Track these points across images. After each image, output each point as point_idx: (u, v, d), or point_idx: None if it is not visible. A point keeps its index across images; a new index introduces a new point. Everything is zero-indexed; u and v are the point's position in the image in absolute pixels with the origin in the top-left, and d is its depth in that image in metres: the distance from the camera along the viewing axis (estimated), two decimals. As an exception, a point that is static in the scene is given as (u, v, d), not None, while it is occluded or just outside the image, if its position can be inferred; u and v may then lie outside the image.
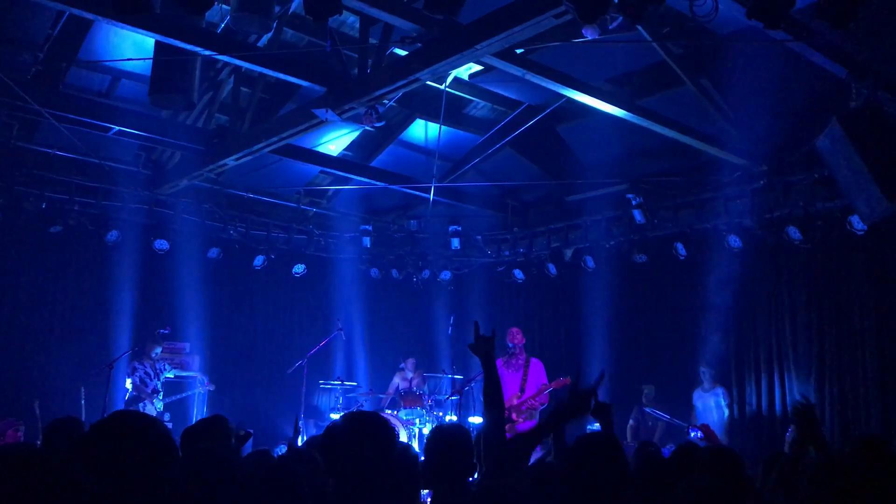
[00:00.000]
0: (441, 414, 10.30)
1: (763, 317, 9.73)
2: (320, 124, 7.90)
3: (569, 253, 11.41)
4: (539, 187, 11.30)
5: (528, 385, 8.98)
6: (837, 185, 7.22)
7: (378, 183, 10.47)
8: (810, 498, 2.69)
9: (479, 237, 12.31)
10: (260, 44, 7.63)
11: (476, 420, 9.66)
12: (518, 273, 11.75)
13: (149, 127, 9.02)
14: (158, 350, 9.97)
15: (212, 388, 10.50)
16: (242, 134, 8.80)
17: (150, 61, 7.21)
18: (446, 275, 12.47)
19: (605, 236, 10.75)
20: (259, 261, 11.52)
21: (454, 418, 9.85)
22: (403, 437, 9.36)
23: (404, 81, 6.79)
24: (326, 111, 7.32)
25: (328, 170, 10.64)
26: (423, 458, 3.32)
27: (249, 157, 9.01)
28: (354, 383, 11.74)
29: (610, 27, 5.80)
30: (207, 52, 6.78)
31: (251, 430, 4.86)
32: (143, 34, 6.65)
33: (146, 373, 9.75)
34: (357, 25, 7.40)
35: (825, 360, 9.07)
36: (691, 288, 10.09)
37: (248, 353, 11.89)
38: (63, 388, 9.53)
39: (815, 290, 9.29)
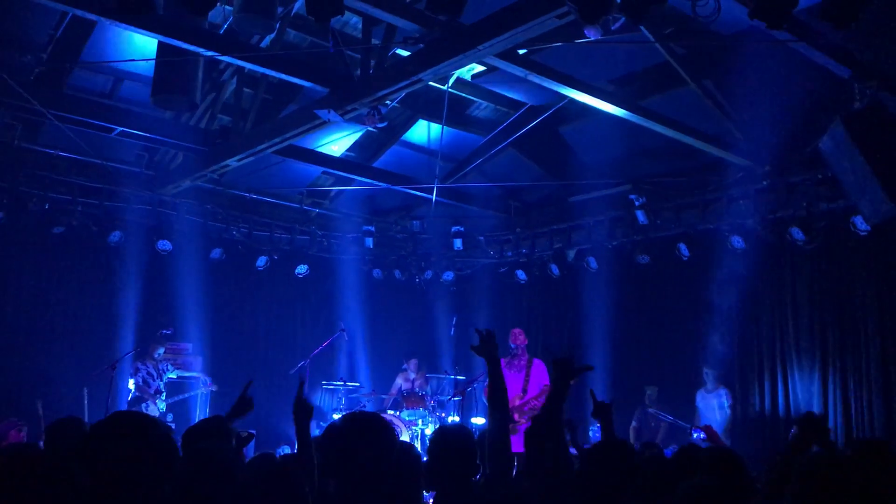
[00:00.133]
0: (444, 415, 10.30)
1: (766, 318, 9.70)
2: (323, 125, 7.89)
3: (571, 254, 11.41)
4: (542, 188, 11.28)
5: (530, 386, 8.96)
6: (840, 185, 7.22)
7: (380, 184, 10.47)
8: (810, 497, 2.68)
9: (482, 238, 12.31)
10: (263, 44, 7.62)
11: (479, 421, 9.65)
12: (521, 274, 11.74)
13: (151, 128, 9.03)
14: (161, 350, 9.95)
15: (214, 388, 10.48)
16: (245, 135, 8.81)
17: (153, 62, 7.23)
18: (449, 275, 12.47)
19: (608, 237, 10.73)
20: (262, 261, 11.52)
21: (457, 419, 9.85)
22: (406, 438, 9.35)
23: (407, 82, 6.78)
24: (329, 112, 7.32)
25: (331, 170, 10.65)
26: (426, 459, 3.32)
27: (252, 158, 9.00)
28: (357, 384, 11.74)
29: (612, 28, 5.79)
30: (210, 53, 6.76)
31: (253, 431, 4.85)
32: (145, 35, 6.65)
33: (149, 373, 9.75)
34: (360, 26, 7.41)
35: (828, 362, 9.05)
36: (694, 289, 10.06)
37: (251, 353, 11.86)
38: (66, 388, 9.51)
39: (819, 291, 9.27)
